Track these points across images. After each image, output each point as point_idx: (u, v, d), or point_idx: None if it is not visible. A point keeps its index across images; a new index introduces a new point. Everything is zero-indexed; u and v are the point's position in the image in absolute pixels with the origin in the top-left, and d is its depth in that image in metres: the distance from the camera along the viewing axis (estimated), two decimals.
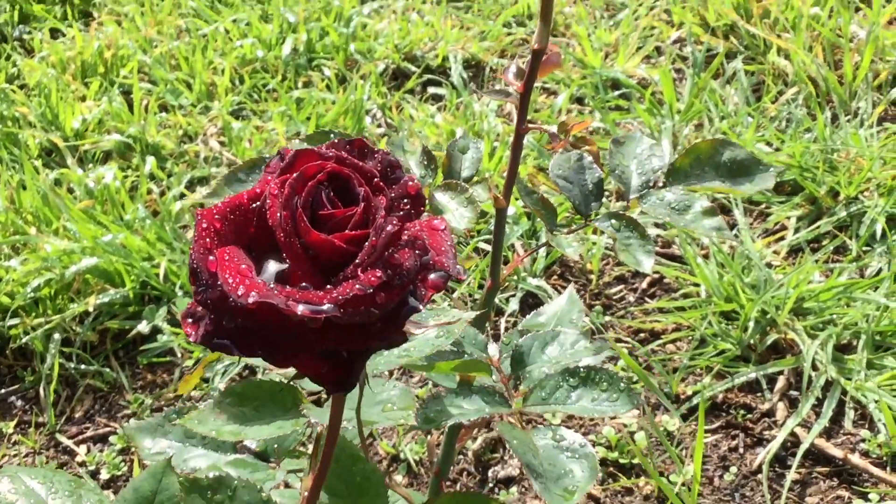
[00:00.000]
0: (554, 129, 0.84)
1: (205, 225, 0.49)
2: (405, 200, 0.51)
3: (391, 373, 1.50)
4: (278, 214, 0.48)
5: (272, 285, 0.46)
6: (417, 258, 0.47)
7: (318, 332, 0.47)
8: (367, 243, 0.47)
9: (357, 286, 0.45)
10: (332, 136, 0.86)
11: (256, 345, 0.47)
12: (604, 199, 0.93)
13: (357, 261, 0.47)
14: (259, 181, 0.51)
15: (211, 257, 0.47)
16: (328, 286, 0.47)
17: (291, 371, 0.51)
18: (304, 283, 0.47)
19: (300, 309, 0.45)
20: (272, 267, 0.48)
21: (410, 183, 0.51)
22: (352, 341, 0.47)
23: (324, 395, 1.15)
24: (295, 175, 0.49)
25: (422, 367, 0.76)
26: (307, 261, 0.48)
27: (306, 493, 0.58)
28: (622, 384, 0.72)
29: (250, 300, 0.45)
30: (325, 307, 0.45)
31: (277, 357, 0.48)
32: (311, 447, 1.33)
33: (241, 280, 0.45)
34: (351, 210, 0.49)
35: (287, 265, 0.48)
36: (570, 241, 0.83)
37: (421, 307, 0.48)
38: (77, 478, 0.78)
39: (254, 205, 0.50)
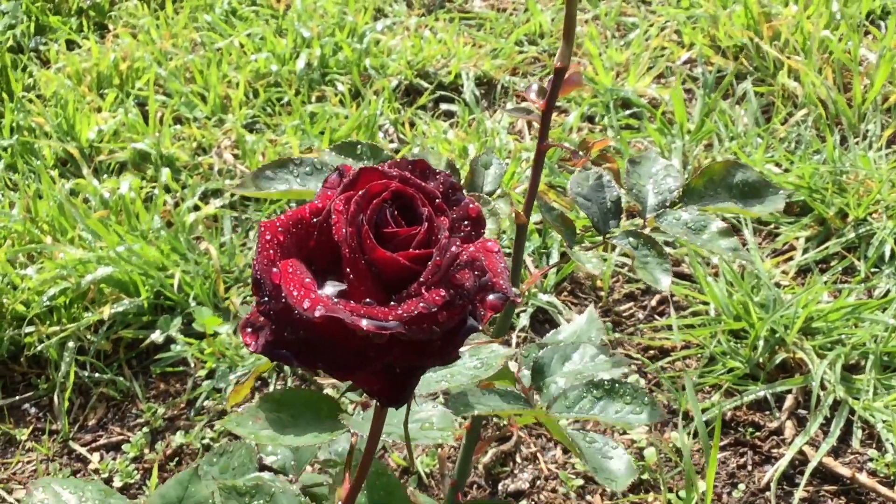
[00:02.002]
0: (573, 147, 0.86)
1: (268, 237, 0.49)
2: (465, 222, 0.51)
3: None
4: (343, 230, 0.48)
5: (336, 300, 0.46)
6: (477, 279, 0.48)
7: (379, 347, 0.47)
8: (431, 262, 0.47)
9: (422, 304, 0.46)
10: (358, 147, 0.88)
11: (317, 357, 0.48)
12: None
13: (421, 279, 0.47)
14: (319, 195, 0.51)
15: (275, 269, 0.48)
16: (391, 303, 0.47)
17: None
18: (367, 300, 0.47)
19: (365, 324, 0.45)
20: (333, 281, 0.49)
21: (471, 205, 0.52)
22: (411, 358, 0.48)
23: (351, 407, 1.16)
24: (361, 193, 0.49)
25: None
26: (370, 277, 0.48)
27: (340, 503, 0.59)
28: (646, 398, 0.73)
29: (316, 314, 0.45)
30: (390, 323, 0.45)
31: (338, 370, 0.48)
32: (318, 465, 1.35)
33: (305, 293, 0.46)
34: (414, 229, 0.49)
35: (347, 281, 0.48)
36: (590, 257, 0.84)
37: (480, 327, 0.48)
38: (107, 486, 0.80)
39: (315, 219, 0.50)
